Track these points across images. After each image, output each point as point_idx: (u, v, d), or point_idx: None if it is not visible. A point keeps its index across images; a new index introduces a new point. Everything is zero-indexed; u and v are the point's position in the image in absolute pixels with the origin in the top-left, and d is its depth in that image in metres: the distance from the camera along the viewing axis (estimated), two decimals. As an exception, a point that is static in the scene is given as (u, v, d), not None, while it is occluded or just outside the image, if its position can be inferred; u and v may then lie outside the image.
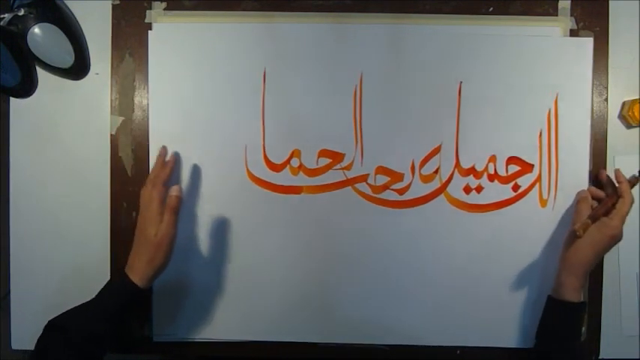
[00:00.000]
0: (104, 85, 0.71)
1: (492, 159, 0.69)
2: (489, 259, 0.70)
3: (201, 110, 0.70)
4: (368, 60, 0.69)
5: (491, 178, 0.70)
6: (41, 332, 0.61)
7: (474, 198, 0.70)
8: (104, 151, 0.71)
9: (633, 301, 0.71)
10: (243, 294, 0.71)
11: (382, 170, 0.70)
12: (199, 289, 0.71)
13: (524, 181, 0.70)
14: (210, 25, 0.70)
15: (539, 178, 0.70)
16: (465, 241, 0.70)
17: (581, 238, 0.62)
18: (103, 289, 0.63)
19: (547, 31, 0.70)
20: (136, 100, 0.71)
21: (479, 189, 0.70)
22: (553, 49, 0.69)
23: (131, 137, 0.71)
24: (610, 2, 0.70)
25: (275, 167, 0.70)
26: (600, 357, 0.70)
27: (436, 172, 0.70)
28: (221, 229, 0.70)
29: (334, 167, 0.70)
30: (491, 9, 0.70)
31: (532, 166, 0.69)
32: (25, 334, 0.71)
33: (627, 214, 0.63)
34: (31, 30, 0.67)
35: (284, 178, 0.70)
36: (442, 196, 0.70)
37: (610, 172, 0.68)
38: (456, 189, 0.70)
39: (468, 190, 0.70)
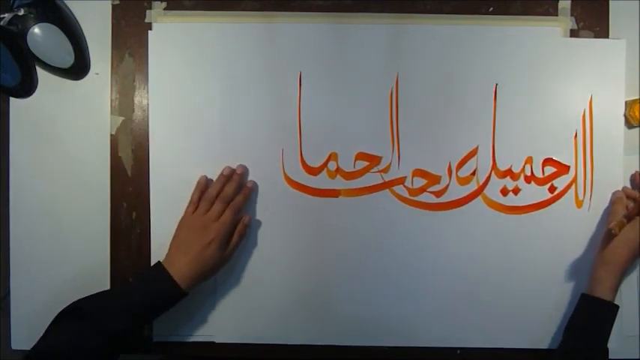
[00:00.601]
0: (104, 85, 0.71)
1: (529, 160, 0.70)
2: (524, 261, 0.70)
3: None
4: (404, 62, 0.70)
5: (528, 179, 0.70)
6: (62, 312, 0.60)
7: (510, 200, 0.70)
8: (104, 151, 0.71)
9: (633, 301, 0.71)
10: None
11: (419, 173, 0.70)
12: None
13: (561, 183, 0.70)
14: (210, 25, 0.70)
15: (575, 180, 0.70)
16: (502, 243, 0.70)
17: (617, 236, 0.63)
18: (141, 281, 0.63)
19: (547, 31, 0.70)
20: (136, 100, 0.71)
21: (516, 191, 0.70)
22: (587, 50, 0.69)
23: (131, 137, 0.71)
24: (610, 2, 0.70)
25: (312, 171, 0.70)
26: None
27: (473, 174, 0.70)
28: (257, 232, 0.70)
29: (371, 170, 0.70)
30: (491, 9, 0.70)
31: (568, 167, 0.70)
32: (25, 334, 0.71)
33: None
34: (31, 30, 0.67)
35: (321, 181, 0.70)
36: (479, 198, 0.70)
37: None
38: (493, 191, 0.70)
39: (505, 192, 0.70)
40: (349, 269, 0.70)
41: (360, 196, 0.70)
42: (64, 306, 0.61)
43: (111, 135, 0.71)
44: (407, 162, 0.70)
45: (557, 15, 0.70)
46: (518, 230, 0.70)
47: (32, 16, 0.66)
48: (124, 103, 0.71)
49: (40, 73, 0.71)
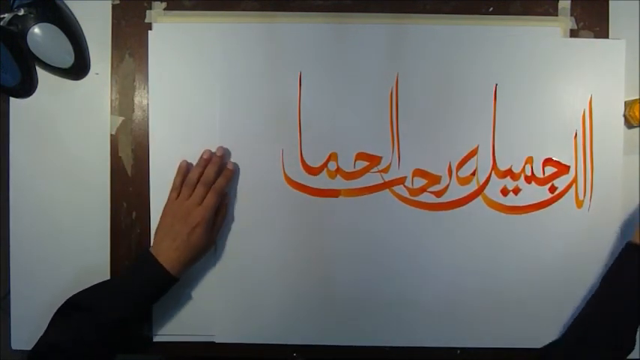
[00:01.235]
0: (104, 85, 0.71)
1: (529, 160, 0.70)
2: (524, 261, 0.70)
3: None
4: (404, 62, 0.70)
5: (528, 179, 0.70)
6: (59, 309, 0.62)
7: (511, 200, 0.70)
8: (104, 151, 0.71)
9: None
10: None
11: (419, 173, 0.70)
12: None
13: (561, 183, 0.70)
14: (210, 25, 0.70)
15: (575, 180, 0.70)
16: (502, 243, 0.70)
17: None
18: (131, 271, 0.64)
19: (547, 31, 0.70)
20: (136, 100, 0.71)
21: (516, 191, 0.70)
22: (587, 50, 0.69)
23: (131, 137, 0.71)
24: (610, 2, 0.70)
25: (312, 171, 0.70)
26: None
27: (473, 174, 0.70)
28: (257, 232, 0.70)
29: (372, 170, 0.70)
30: (491, 9, 0.70)
31: (568, 167, 0.70)
32: (25, 334, 0.71)
33: None
34: (31, 30, 0.67)
35: (321, 181, 0.70)
36: (480, 198, 0.70)
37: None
38: (493, 191, 0.70)
39: (505, 192, 0.70)
40: (349, 269, 0.70)
41: (360, 196, 0.70)
42: (64, 306, 0.62)
43: (111, 135, 0.71)
44: (407, 162, 0.70)
45: (557, 15, 0.70)
46: (518, 230, 0.70)
47: (32, 16, 0.66)
48: (124, 103, 0.71)
49: (40, 73, 0.71)
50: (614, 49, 0.70)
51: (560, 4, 0.70)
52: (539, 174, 0.70)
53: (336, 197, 0.70)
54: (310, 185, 0.70)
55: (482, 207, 0.70)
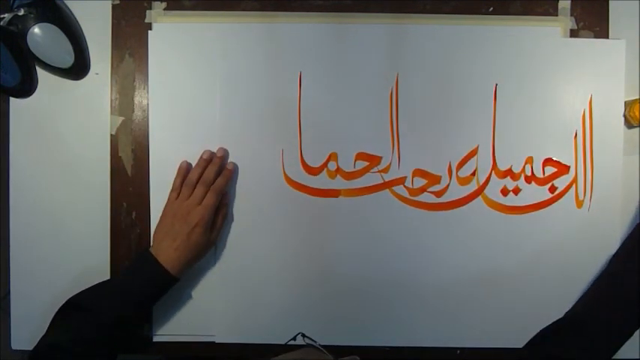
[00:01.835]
0: (104, 85, 0.71)
1: (529, 160, 0.70)
2: (524, 261, 0.70)
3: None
4: (404, 62, 0.70)
5: (528, 179, 0.70)
6: (60, 309, 0.62)
7: (511, 200, 0.70)
8: (104, 151, 0.71)
9: (633, 301, 0.71)
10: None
11: (419, 173, 0.70)
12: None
13: (561, 183, 0.70)
14: (210, 25, 0.70)
15: (575, 180, 0.70)
16: (502, 243, 0.70)
17: None
18: (132, 271, 0.64)
19: (547, 31, 0.70)
20: (136, 100, 0.71)
21: (516, 191, 0.70)
22: (587, 50, 0.69)
23: (131, 137, 0.71)
24: (610, 2, 0.70)
25: (312, 171, 0.70)
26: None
27: (473, 174, 0.70)
28: (257, 232, 0.70)
29: (372, 170, 0.70)
30: (491, 9, 0.70)
31: (568, 167, 0.70)
32: (25, 334, 0.71)
33: None
34: (31, 30, 0.67)
35: (321, 181, 0.70)
36: (480, 198, 0.70)
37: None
38: (493, 191, 0.70)
39: (505, 192, 0.70)
40: (349, 269, 0.70)
41: (360, 196, 0.70)
42: (64, 306, 0.62)
43: (111, 135, 0.71)
44: (407, 162, 0.70)
45: (557, 15, 0.70)
46: (518, 230, 0.70)
47: (32, 16, 0.66)
48: (124, 103, 0.71)
49: (40, 73, 0.71)
50: (614, 49, 0.70)
51: (560, 4, 0.70)
52: (539, 174, 0.70)
53: (336, 197, 0.70)
54: (310, 185, 0.70)
55: (482, 207, 0.70)
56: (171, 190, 0.67)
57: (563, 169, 0.70)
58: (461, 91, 0.70)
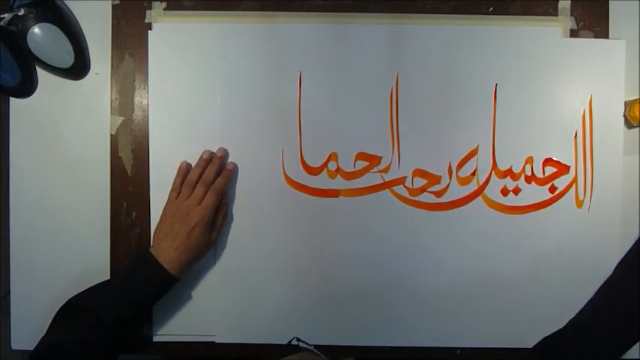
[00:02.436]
0: (104, 85, 0.71)
1: (529, 160, 0.70)
2: (524, 261, 0.70)
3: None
4: (404, 62, 0.70)
5: (528, 179, 0.70)
6: (60, 309, 0.62)
7: (511, 200, 0.70)
8: (104, 151, 0.71)
9: (633, 301, 0.71)
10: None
11: (419, 173, 0.70)
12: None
13: (561, 183, 0.70)
14: (210, 25, 0.70)
15: (575, 180, 0.70)
16: (502, 243, 0.70)
17: None
18: (131, 271, 0.64)
19: (547, 31, 0.70)
20: (136, 100, 0.71)
21: (516, 191, 0.70)
22: (587, 50, 0.69)
23: (131, 137, 0.71)
24: (610, 2, 0.70)
25: (312, 171, 0.70)
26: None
27: (473, 174, 0.70)
28: (257, 232, 0.70)
29: (372, 170, 0.70)
30: (491, 9, 0.70)
31: (568, 167, 0.70)
32: (25, 334, 0.71)
33: None
34: (31, 30, 0.67)
35: (321, 181, 0.70)
36: (480, 198, 0.70)
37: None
38: (493, 191, 0.70)
39: (505, 192, 0.70)
40: (349, 269, 0.70)
41: (360, 196, 0.70)
42: (64, 306, 0.62)
43: (111, 135, 0.71)
44: (407, 162, 0.70)
45: (557, 15, 0.70)
46: (518, 230, 0.70)
47: (32, 16, 0.66)
48: (124, 103, 0.71)
49: (40, 73, 0.71)
50: (614, 49, 0.70)
51: (560, 4, 0.70)
52: (539, 174, 0.70)
53: (336, 197, 0.70)
54: (310, 185, 0.70)
55: (482, 207, 0.70)
56: (171, 190, 0.67)
57: (563, 169, 0.70)
58: (461, 91, 0.70)
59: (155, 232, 0.66)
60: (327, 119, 0.70)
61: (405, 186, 0.70)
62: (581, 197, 0.70)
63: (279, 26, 0.70)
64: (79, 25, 0.71)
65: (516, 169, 0.70)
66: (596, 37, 0.70)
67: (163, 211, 0.67)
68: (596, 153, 0.70)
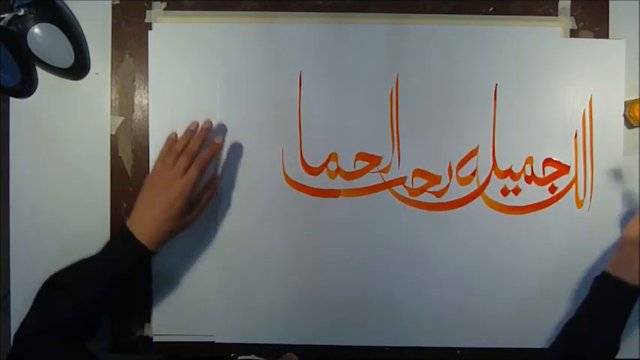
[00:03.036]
0: (104, 85, 0.71)
1: (529, 160, 0.70)
2: (524, 261, 0.70)
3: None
4: (404, 62, 0.70)
5: (528, 179, 0.70)
6: (40, 290, 0.61)
7: (511, 200, 0.70)
8: (104, 151, 0.71)
9: (633, 301, 0.71)
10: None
11: (419, 173, 0.70)
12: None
13: (561, 183, 0.70)
14: (210, 25, 0.70)
15: (575, 180, 0.70)
16: (502, 243, 0.70)
17: None
18: (108, 248, 0.63)
19: (547, 31, 0.70)
20: (136, 100, 0.71)
21: (516, 191, 0.70)
22: (587, 50, 0.70)
23: (131, 137, 0.71)
24: (610, 2, 0.70)
25: (312, 171, 0.70)
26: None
27: (473, 174, 0.70)
28: (257, 232, 0.70)
29: (372, 170, 0.70)
30: (491, 9, 0.70)
31: (568, 167, 0.70)
32: (25, 334, 0.71)
33: None
34: (31, 30, 0.67)
35: (321, 181, 0.70)
36: (480, 198, 0.70)
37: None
38: (493, 191, 0.70)
39: (505, 192, 0.70)
40: (349, 269, 0.70)
41: (360, 196, 0.70)
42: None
43: (111, 135, 0.71)
44: (407, 162, 0.70)
45: (557, 15, 0.70)
46: (518, 230, 0.70)
47: (32, 16, 0.66)
48: (124, 103, 0.71)
49: (40, 73, 0.71)
50: (614, 49, 0.70)
51: (560, 4, 0.70)
52: (539, 174, 0.70)
53: (336, 197, 0.70)
54: (310, 185, 0.70)
55: (482, 207, 0.70)
56: (157, 160, 0.66)
57: (563, 169, 0.70)
58: (461, 91, 0.70)
59: (137, 201, 0.65)
60: (327, 119, 0.70)
61: (405, 186, 0.70)
62: (581, 197, 0.70)
63: (279, 26, 0.70)
64: (79, 25, 0.71)
65: (516, 169, 0.70)
66: (596, 37, 0.70)
67: (145, 182, 0.65)
68: (596, 153, 0.70)
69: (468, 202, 0.70)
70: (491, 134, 0.70)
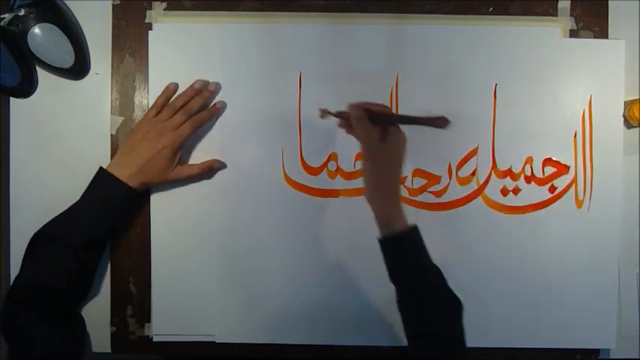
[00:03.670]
0: (104, 85, 0.71)
1: (529, 160, 0.70)
2: (524, 261, 0.70)
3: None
4: (404, 62, 0.70)
5: (528, 179, 0.70)
6: (29, 243, 0.61)
7: (510, 200, 0.70)
8: (104, 151, 0.71)
9: (633, 301, 0.71)
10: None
11: (419, 173, 0.70)
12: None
13: (561, 183, 0.70)
14: (210, 25, 0.70)
15: (575, 180, 0.70)
16: (502, 243, 0.70)
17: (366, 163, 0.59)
18: (89, 192, 0.64)
19: (547, 31, 0.70)
20: (136, 100, 0.71)
21: (516, 191, 0.70)
22: (586, 50, 0.70)
23: (131, 137, 0.71)
24: (610, 2, 0.70)
25: (312, 171, 0.70)
26: (600, 357, 0.71)
27: (473, 174, 0.70)
28: (257, 232, 0.70)
29: None
30: (491, 9, 0.70)
31: (568, 167, 0.70)
32: (25, 334, 0.71)
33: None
34: (31, 30, 0.67)
35: (321, 181, 0.70)
36: (479, 198, 0.70)
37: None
38: (493, 191, 0.70)
39: (504, 192, 0.70)
40: (349, 269, 0.70)
41: (360, 196, 0.70)
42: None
43: (111, 135, 0.71)
44: (407, 162, 0.70)
45: (556, 15, 0.70)
46: (518, 230, 0.70)
47: (32, 16, 0.66)
48: (124, 103, 0.71)
49: (40, 73, 0.71)
50: (614, 49, 0.70)
51: (560, 4, 0.70)
52: (538, 174, 0.70)
53: (336, 197, 0.70)
54: (310, 185, 0.70)
55: (482, 207, 0.70)
56: (151, 108, 0.67)
57: (563, 169, 0.70)
58: (461, 91, 0.70)
59: (123, 144, 0.65)
60: (327, 119, 0.70)
61: (404, 186, 0.70)
62: (580, 197, 0.70)
63: (279, 26, 0.70)
64: (79, 25, 0.71)
65: (516, 169, 0.70)
66: (595, 37, 0.70)
67: (137, 125, 0.66)
68: (596, 153, 0.70)
69: (467, 202, 0.70)
70: (491, 134, 0.70)
